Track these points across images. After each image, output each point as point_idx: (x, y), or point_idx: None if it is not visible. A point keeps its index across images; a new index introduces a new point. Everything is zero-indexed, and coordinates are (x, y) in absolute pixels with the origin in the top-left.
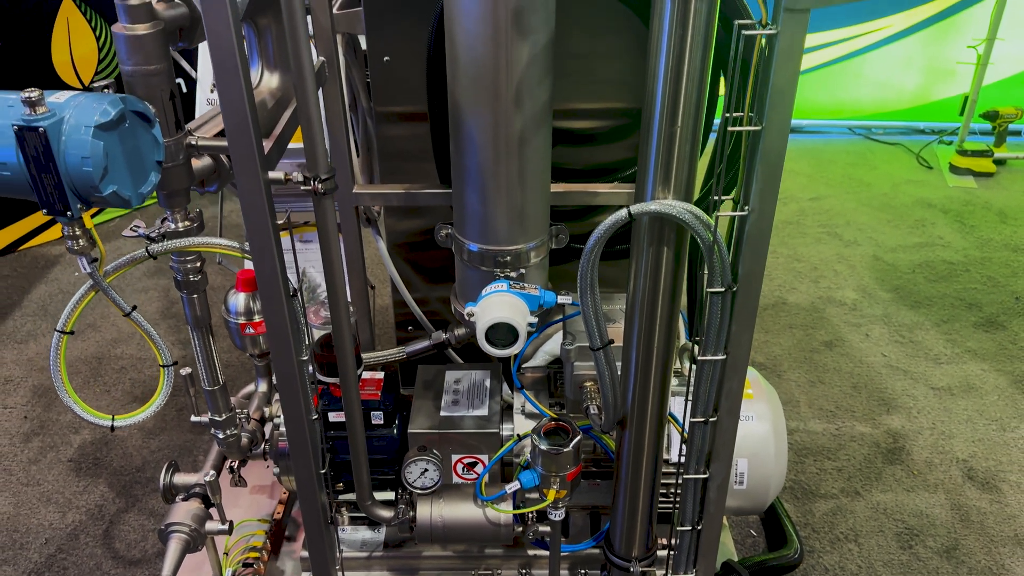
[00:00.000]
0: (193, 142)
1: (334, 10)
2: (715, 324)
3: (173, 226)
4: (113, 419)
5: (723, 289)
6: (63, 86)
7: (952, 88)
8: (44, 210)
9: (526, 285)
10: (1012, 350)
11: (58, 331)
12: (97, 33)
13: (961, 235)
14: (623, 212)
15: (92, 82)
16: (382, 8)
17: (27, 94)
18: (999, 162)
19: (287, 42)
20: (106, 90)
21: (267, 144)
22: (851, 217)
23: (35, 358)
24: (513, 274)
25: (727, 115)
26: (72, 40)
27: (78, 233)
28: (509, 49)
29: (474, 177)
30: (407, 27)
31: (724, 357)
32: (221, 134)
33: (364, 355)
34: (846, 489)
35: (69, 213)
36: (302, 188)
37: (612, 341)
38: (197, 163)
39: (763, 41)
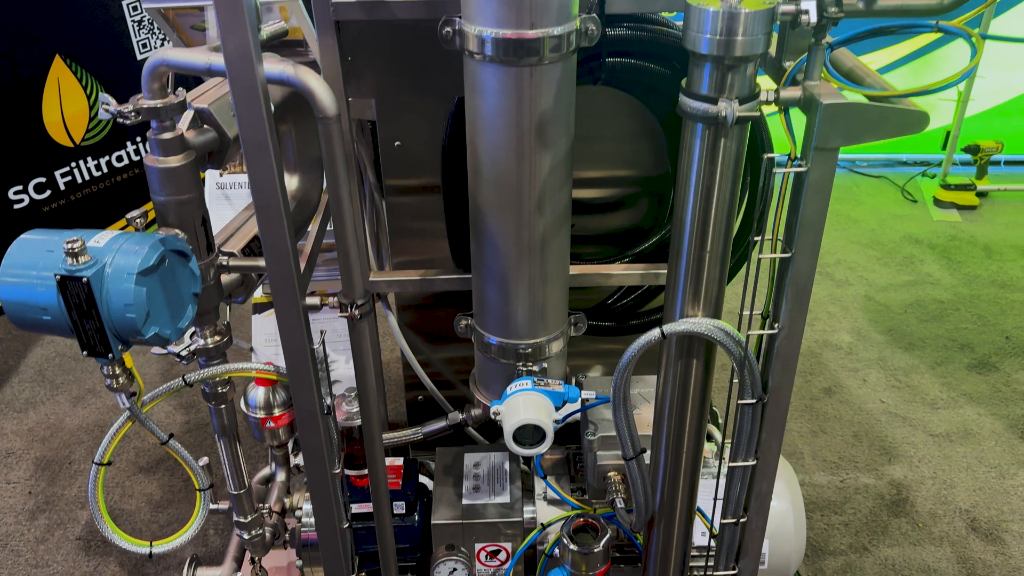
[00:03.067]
0: (225, 262)
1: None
2: (746, 432)
3: (202, 342)
4: (151, 545)
5: (754, 401)
6: (54, 146)
7: (934, 121)
8: (84, 352)
9: (550, 381)
10: (1006, 392)
11: (96, 463)
12: (88, 92)
13: (949, 272)
14: (656, 332)
15: (83, 141)
16: (394, 94)
17: (69, 244)
18: (981, 194)
19: (328, 189)
20: (139, 220)
21: (301, 262)
22: (841, 255)
23: (36, 427)
24: (535, 368)
25: (755, 239)
26: (63, 100)
27: (118, 372)
28: (532, 159)
29: (495, 276)
30: (418, 111)
31: (754, 463)
32: (250, 247)
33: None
34: (854, 545)
35: (110, 355)
36: (339, 315)
37: (645, 450)
38: (226, 278)
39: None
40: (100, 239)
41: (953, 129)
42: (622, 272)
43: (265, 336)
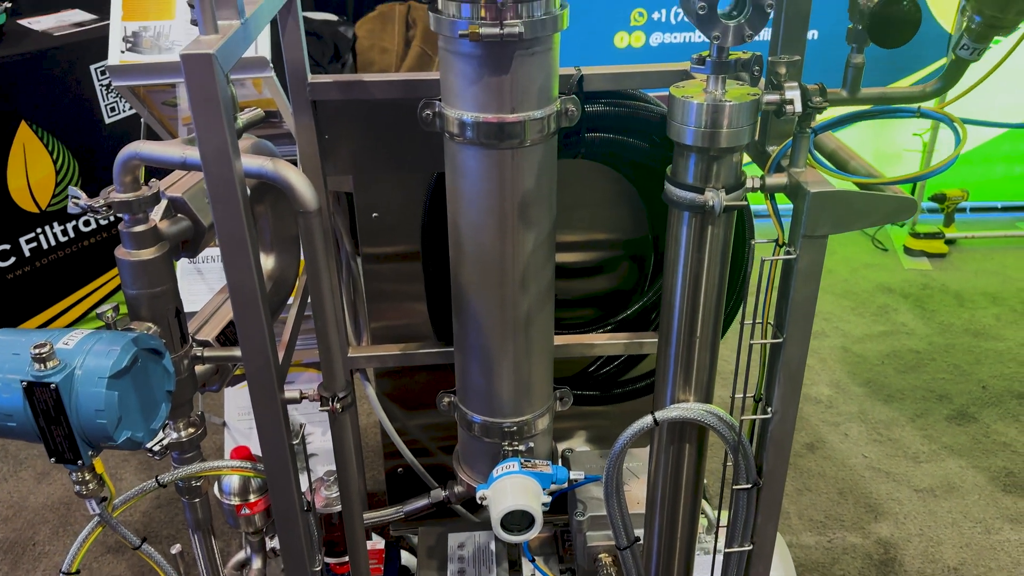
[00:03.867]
0: (199, 353)
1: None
2: (741, 517)
3: (175, 435)
4: None
5: (749, 486)
6: (19, 212)
7: (901, 170)
8: (52, 459)
9: (537, 462)
10: (986, 444)
11: (63, 573)
12: (55, 157)
13: (923, 321)
14: (648, 419)
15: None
16: (371, 170)
17: (37, 350)
18: (950, 242)
19: (309, 282)
20: (110, 315)
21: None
22: (816, 306)
23: None
24: (521, 447)
25: (746, 322)
26: (28, 166)
27: (87, 478)
28: (515, 239)
29: (479, 354)
30: (395, 182)
31: (750, 548)
32: (225, 333)
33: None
34: None
35: (80, 462)
36: (320, 408)
37: (639, 539)
38: (200, 368)
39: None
40: (70, 340)
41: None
42: (606, 342)
43: (238, 410)
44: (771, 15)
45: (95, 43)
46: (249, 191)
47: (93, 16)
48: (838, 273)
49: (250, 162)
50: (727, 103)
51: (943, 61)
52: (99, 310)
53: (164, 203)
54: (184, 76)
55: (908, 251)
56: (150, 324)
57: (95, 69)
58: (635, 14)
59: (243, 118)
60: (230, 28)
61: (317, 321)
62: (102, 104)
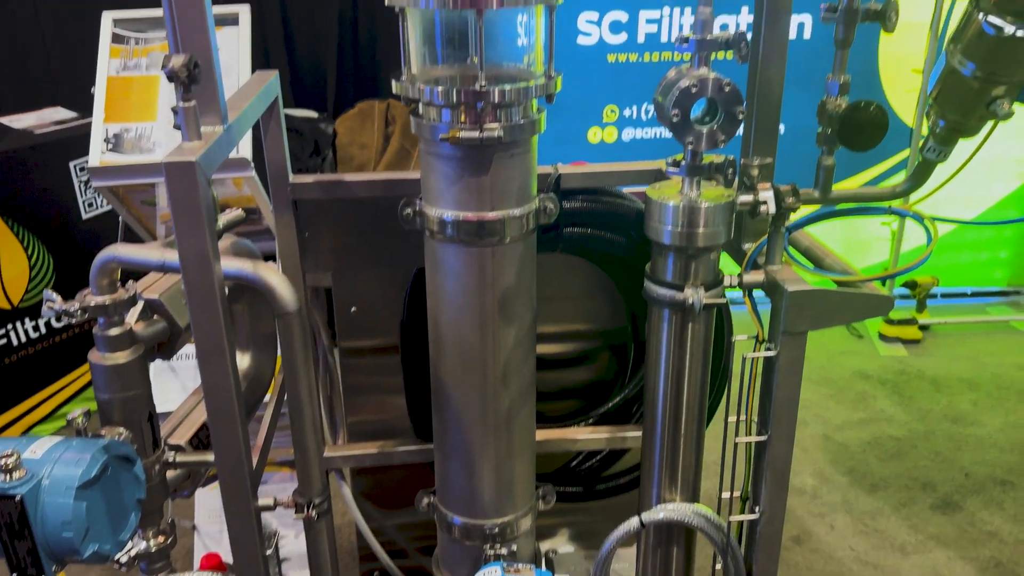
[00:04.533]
0: (171, 458)
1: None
2: None
3: (144, 545)
4: None
5: None
6: None
7: (871, 257)
8: (13, 574)
9: (520, 567)
10: (972, 533)
11: None
12: (29, 252)
13: (902, 408)
14: (634, 521)
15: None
16: (350, 267)
17: (3, 460)
18: (924, 327)
19: (287, 385)
20: (80, 420)
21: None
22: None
23: None
24: (504, 551)
25: (729, 418)
26: (2, 260)
27: None
28: (496, 335)
29: (459, 453)
30: (374, 277)
31: None
32: (198, 436)
33: None
34: None
35: None
36: (295, 517)
37: None
38: (171, 473)
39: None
40: (37, 449)
41: (890, 265)
42: (588, 436)
43: (209, 512)
44: (742, 121)
45: (75, 140)
46: (227, 290)
47: (74, 114)
48: (815, 360)
49: (230, 264)
50: (703, 204)
51: (905, 153)
52: (70, 415)
53: (140, 305)
54: (166, 182)
55: (883, 337)
56: (121, 429)
57: (74, 166)
58: (607, 111)
59: (224, 219)
60: (213, 135)
61: (294, 424)
62: (80, 200)
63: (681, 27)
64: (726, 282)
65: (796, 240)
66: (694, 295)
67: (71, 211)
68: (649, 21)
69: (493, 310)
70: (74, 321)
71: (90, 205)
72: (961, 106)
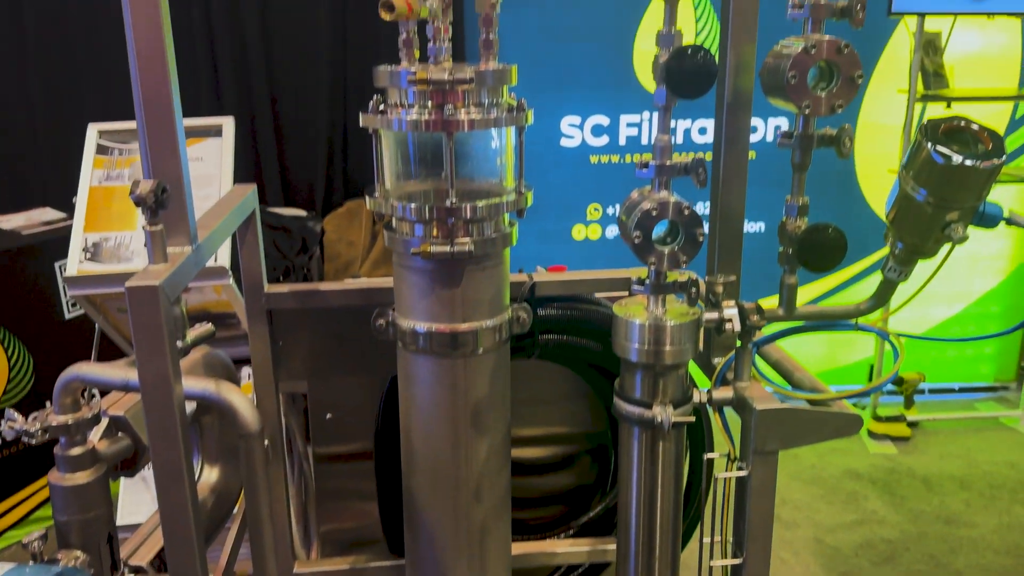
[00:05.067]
0: None
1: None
2: None
3: None
4: None
5: None
6: None
7: (855, 353)
8: None
9: None
10: None
11: None
12: (9, 353)
13: (893, 508)
14: None
15: None
16: (325, 375)
17: None
18: (912, 424)
19: (247, 506)
20: (37, 544)
21: None
22: (785, 494)
23: None
24: None
25: (704, 540)
26: None
27: None
28: (469, 447)
29: (432, 568)
30: (349, 384)
31: None
32: (160, 557)
33: None
34: None
35: None
36: None
37: None
38: None
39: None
40: None
41: (876, 362)
42: (568, 549)
43: None
44: (703, 242)
45: (61, 241)
46: (196, 404)
47: (62, 215)
48: (805, 459)
49: (193, 385)
50: (668, 323)
51: (885, 250)
52: (25, 539)
53: (105, 422)
54: (128, 307)
55: (872, 435)
56: (79, 553)
57: (59, 266)
58: (591, 209)
59: (192, 334)
60: (180, 256)
61: (254, 548)
62: (63, 299)
63: (688, 131)
64: (695, 398)
65: (767, 353)
66: (662, 413)
67: (54, 311)
68: (629, 124)
69: (466, 422)
70: (34, 442)
71: (73, 305)
72: (917, 230)
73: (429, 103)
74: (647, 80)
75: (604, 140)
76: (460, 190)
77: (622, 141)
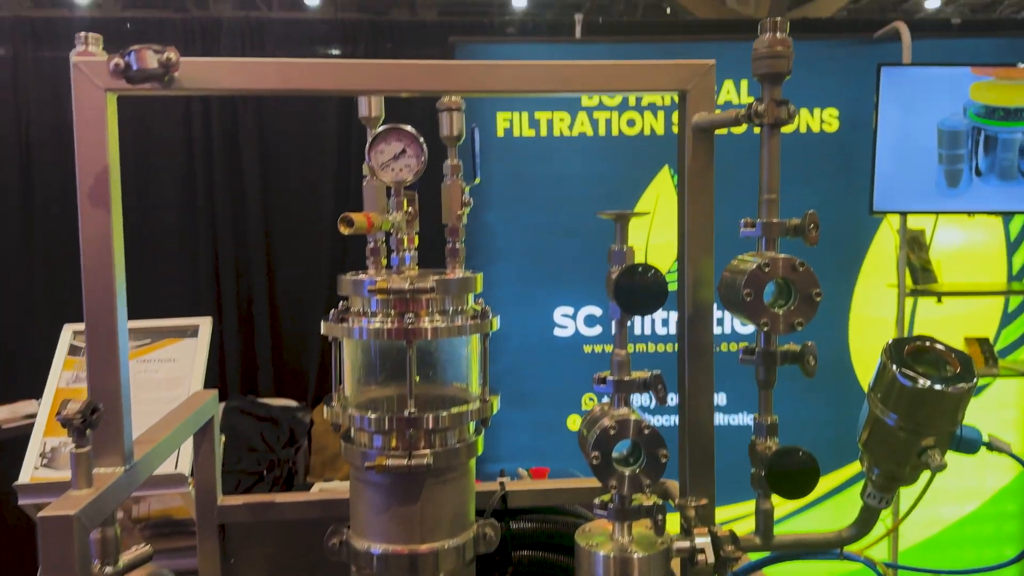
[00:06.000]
0: None
1: None
2: None
3: None
4: None
5: None
6: None
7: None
8: None
9: None
10: None
11: None
12: None
13: None
14: None
15: None
16: None
17: None
18: None
19: None
20: None
21: None
22: None
23: None
24: None
25: None
26: None
27: None
28: None
29: None
30: None
31: None
32: None
33: None
34: None
35: None
36: None
37: None
38: None
39: None
40: None
41: (890, 559)
42: None
43: None
44: (666, 462)
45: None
46: None
47: None
48: None
49: None
50: (635, 555)
51: None
52: None
53: None
54: (39, 538)
55: None
56: None
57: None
58: (585, 399)
59: (126, 558)
60: (109, 477)
61: None
62: None
63: (653, 321)
64: None
65: None
66: None
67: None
68: None
69: None
70: None
71: None
72: (891, 456)
73: (392, 311)
74: None
75: (597, 330)
76: (423, 398)
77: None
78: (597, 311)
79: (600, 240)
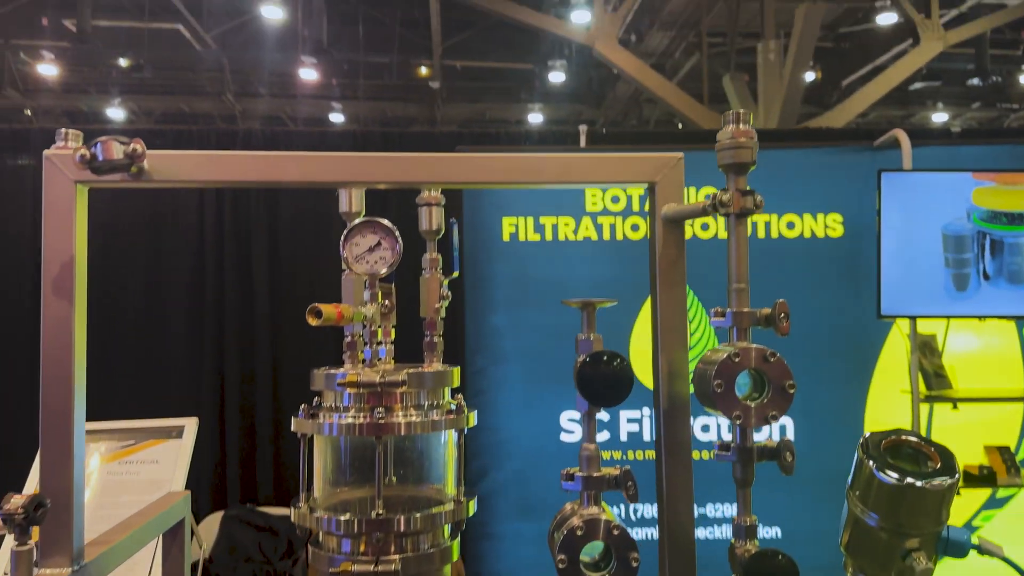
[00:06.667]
0: None
1: None
2: None
3: None
4: None
5: None
6: None
7: None
8: None
9: None
10: None
11: None
12: None
13: None
14: None
15: None
16: None
17: None
18: None
19: None
20: None
21: None
22: None
23: None
24: None
25: None
26: None
27: None
28: None
29: None
30: None
31: None
32: None
33: None
34: None
35: None
36: None
37: None
38: None
39: None
40: None
41: None
42: None
43: None
44: (637, 567)
45: None
46: None
47: None
48: None
49: None
50: None
51: None
52: None
53: None
54: None
55: None
56: None
57: None
58: None
59: None
60: None
61: None
62: None
63: (652, 421)
64: None
65: None
66: None
67: None
68: (630, 420)
69: None
70: None
71: None
72: (875, 559)
73: (364, 406)
74: (646, 378)
75: (605, 436)
76: (394, 500)
77: (623, 437)
78: (605, 416)
79: (607, 344)
